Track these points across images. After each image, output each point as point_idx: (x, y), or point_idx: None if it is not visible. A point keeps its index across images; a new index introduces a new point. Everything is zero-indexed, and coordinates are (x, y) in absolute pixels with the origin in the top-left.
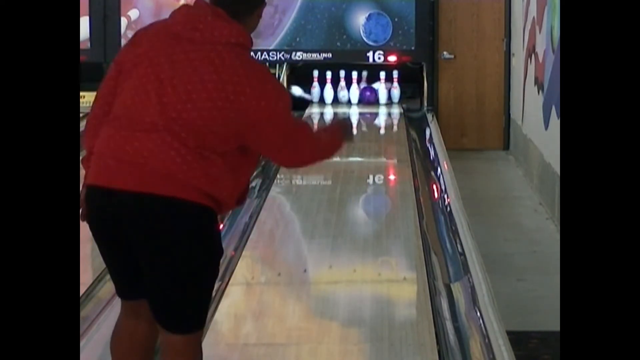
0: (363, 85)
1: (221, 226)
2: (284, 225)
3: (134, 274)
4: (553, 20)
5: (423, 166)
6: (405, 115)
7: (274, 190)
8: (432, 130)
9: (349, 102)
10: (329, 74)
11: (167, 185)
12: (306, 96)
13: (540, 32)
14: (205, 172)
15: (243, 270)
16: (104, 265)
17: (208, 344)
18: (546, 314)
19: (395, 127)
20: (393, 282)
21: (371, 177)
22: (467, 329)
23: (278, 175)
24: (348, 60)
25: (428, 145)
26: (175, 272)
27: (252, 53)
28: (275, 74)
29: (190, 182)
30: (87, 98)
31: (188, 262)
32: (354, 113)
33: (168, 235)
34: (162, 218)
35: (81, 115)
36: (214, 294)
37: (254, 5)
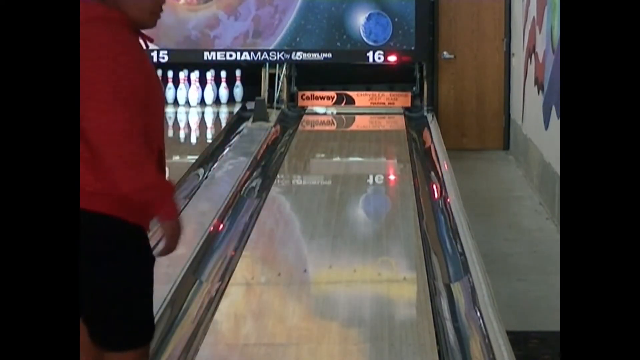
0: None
1: (221, 226)
2: (284, 225)
3: None
4: (553, 20)
5: (423, 166)
6: (405, 115)
7: (274, 190)
8: (432, 130)
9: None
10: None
11: (82, 199)
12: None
13: (540, 32)
14: (96, 166)
15: (243, 270)
16: None
17: (208, 344)
18: (546, 314)
19: (395, 127)
20: (393, 282)
21: (371, 177)
22: (467, 329)
23: (278, 175)
24: (348, 60)
25: (428, 145)
26: (100, 287)
27: (251, 53)
28: (275, 74)
29: (93, 188)
30: None
31: (109, 276)
32: (354, 113)
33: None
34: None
35: None
36: (214, 294)
37: None
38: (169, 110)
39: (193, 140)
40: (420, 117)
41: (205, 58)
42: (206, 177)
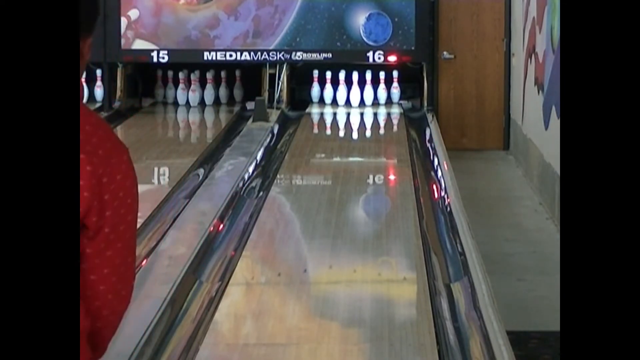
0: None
1: (221, 226)
2: (284, 225)
3: None
4: (553, 20)
5: (423, 166)
6: (405, 115)
7: (274, 190)
8: (432, 130)
9: (347, 103)
10: (328, 74)
11: None
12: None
13: (540, 32)
14: None
15: (243, 270)
16: None
17: (208, 344)
18: (546, 314)
19: (395, 127)
20: (393, 282)
21: (371, 177)
22: (467, 329)
23: (278, 175)
24: (348, 60)
25: (428, 145)
26: None
27: (251, 53)
28: (275, 74)
29: None
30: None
31: None
32: (353, 113)
33: None
34: None
35: None
36: (214, 294)
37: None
38: (170, 110)
39: (193, 140)
40: (420, 117)
41: (205, 58)
42: (206, 177)
